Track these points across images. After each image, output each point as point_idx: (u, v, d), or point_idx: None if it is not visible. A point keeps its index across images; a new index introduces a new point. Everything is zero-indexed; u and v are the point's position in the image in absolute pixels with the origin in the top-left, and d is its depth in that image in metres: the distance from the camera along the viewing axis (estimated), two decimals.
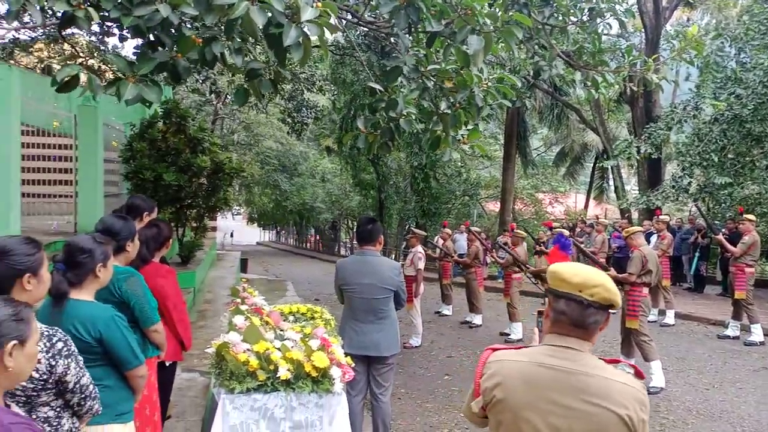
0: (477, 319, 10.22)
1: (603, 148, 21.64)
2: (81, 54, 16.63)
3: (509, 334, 9.00)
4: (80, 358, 2.07)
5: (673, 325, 9.74)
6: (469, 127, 4.56)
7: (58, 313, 2.26)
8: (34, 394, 1.99)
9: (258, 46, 3.84)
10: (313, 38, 2.70)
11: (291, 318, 4.62)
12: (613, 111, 19.97)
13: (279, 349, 3.21)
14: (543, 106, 20.33)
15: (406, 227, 28.12)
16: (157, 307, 3.08)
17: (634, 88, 6.00)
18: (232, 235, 49.82)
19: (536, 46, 5.82)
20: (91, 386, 2.10)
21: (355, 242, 38.66)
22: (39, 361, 1.95)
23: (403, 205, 24.83)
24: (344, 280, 4.18)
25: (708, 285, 13.97)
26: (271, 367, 3.13)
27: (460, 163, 20.87)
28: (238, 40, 3.17)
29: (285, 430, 3.10)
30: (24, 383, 1.94)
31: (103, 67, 15.45)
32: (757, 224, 9.51)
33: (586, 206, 28.12)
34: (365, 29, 4.60)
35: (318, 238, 44.27)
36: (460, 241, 14.56)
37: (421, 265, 8.43)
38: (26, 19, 16.19)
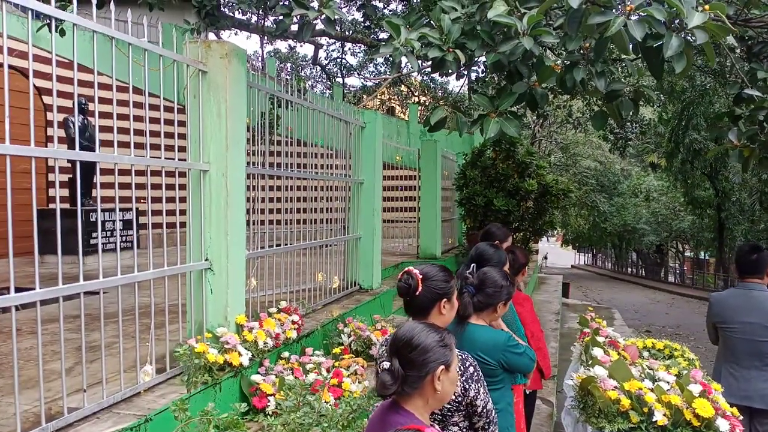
0: None
1: None
2: (415, 94, 18.68)
3: None
4: (485, 383, 2.17)
5: None
6: None
7: (460, 335, 2.42)
8: (449, 414, 2.14)
9: (616, 67, 3.66)
10: (699, 44, 2.42)
11: (646, 354, 4.23)
12: None
13: (652, 390, 2.93)
14: None
15: None
16: (524, 333, 3.11)
17: None
18: (545, 258, 49.57)
19: None
20: (494, 411, 2.18)
21: (685, 268, 34.71)
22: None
23: (750, 225, 21.35)
24: (721, 317, 3.65)
25: None
26: (645, 410, 2.86)
27: None
28: (601, 62, 3.04)
29: None
30: None
31: (428, 102, 17.00)
32: None
33: None
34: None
35: (640, 262, 40.99)
36: None
37: None
38: (371, 68, 18.77)
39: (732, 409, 2.98)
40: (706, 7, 2.37)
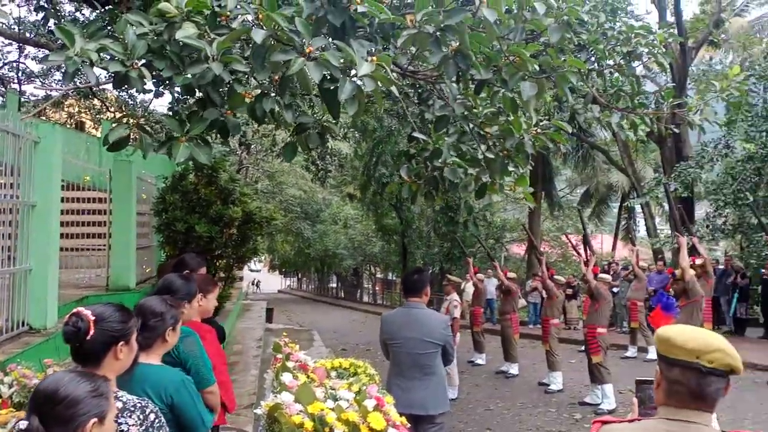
0: (513, 369, 9.93)
1: (629, 189, 21.41)
2: (110, 109, 17.10)
3: (548, 384, 8.70)
4: (167, 429, 1.99)
5: None
6: (508, 172, 4.49)
7: (128, 379, 2.17)
8: None
9: (306, 100, 3.85)
10: (368, 91, 2.68)
11: (333, 374, 4.47)
12: (641, 151, 19.87)
13: (333, 409, 3.08)
14: (567, 147, 20.30)
15: (431, 272, 27.87)
16: (212, 367, 2.99)
17: (674, 129, 5.92)
18: (257, 284, 50.05)
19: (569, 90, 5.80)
20: None
21: (377, 288, 38.46)
22: None
23: (426, 249, 24.69)
24: (390, 335, 4.04)
25: (748, 327, 13.50)
26: (326, 430, 2.99)
27: (482, 206, 20.80)
28: (289, 95, 3.16)
29: None
30: None
31: (131, 121, 15.76)
32: None
33: (614, 248, 27.68)
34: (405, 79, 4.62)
35: (339, 284, 44.12)
36: (489, 287, 14.40)
37: (458, 313, 8.25)
38: (57, 77, 16.71)
39: (401, 419, 3.31)
40: (374, 58, 2.64)
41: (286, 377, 3.55)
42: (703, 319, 8.93)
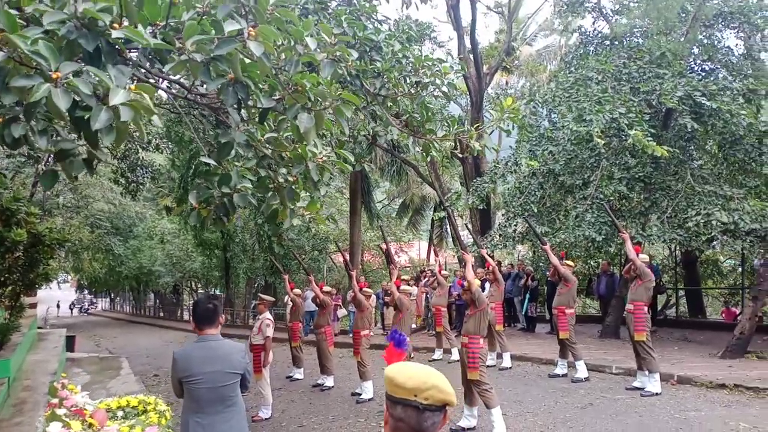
0: (329, 381, 10.07)
1: (439, 200, 22.91)
2: None
3: (360, 394, 8.95)
4: None
5: (510, 367, 10.33)
6: (305, 195, 4.55)
7: None
8: None
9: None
10: (127, 120, 2.53)
11: (120, 414, 4.19)
12: (447, 166, 21.42)
13: None
14: (384, 162, 21.25)
15: (255, 286, 27.31)
16: None
17: (461, 154, 6.47)
18: (71, 307, 45.25)
19: (371, 113, 6.06)
20: None
21: None
22: None
23: (250, 263, 24.17)
24: (188, 372, 3.82)
25: (538, 324, 15.20)
26: None
27: (308, 219, 20.91)
28: (45, 120, 2.89)
29: None
30: None
31: None
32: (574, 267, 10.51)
33: (428, 255, 29.42)
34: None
35: (158, 303, 41.43)
36: (309, 299, 14.49)
37: (270, 332, 8.15)
38: None
39: None
40: (133, 87, 2.51)
41: (53, 427, 3.24)
42: (495, 321, 9.89)
